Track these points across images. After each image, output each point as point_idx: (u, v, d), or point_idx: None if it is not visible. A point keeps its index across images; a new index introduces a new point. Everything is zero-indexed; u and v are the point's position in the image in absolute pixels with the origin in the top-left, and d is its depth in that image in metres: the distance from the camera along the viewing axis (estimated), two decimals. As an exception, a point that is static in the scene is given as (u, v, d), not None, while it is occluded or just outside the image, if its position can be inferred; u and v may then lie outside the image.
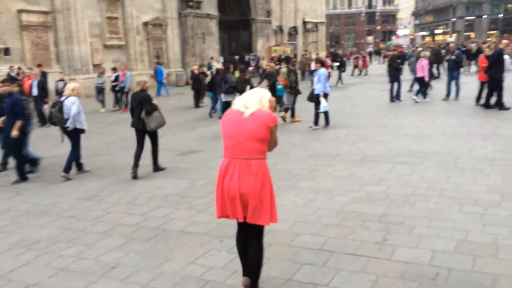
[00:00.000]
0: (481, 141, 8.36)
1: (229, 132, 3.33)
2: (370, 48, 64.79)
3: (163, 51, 27.22)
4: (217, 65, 25.67)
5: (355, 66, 29.12)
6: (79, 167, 7.92)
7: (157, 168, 7.80)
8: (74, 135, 7.60)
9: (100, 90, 17.12)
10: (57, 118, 7.44)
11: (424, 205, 5.24)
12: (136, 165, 7.44)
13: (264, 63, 18.64)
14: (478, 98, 12.64)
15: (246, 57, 29.60)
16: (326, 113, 10.77)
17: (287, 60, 20.70)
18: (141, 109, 7.38)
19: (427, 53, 15.38)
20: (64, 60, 21.86)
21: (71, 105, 7.40)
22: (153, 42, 26.53)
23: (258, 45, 34.62)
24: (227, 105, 11.27)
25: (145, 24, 25.85)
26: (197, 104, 16.73)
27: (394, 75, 14.61)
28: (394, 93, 14.69)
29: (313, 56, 26.63)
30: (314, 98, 10.77)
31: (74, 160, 7.69)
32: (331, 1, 79.33)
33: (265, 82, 13.40)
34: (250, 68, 26.38)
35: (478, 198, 5.31)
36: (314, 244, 4.41)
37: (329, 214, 5.21)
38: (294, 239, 4.56)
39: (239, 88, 12.05)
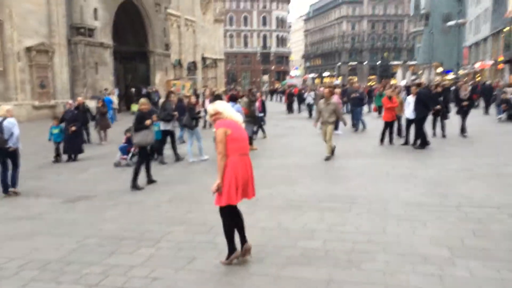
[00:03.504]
0: (402, 183, 8.04)
1: (238, 136, 4.44)
2: (265, 87, 66.75)
3: (49, 80, 24.54)
4: (113, 97, 23.78)
5: None
6: (6, 189, 8.11)
7: (150, 181, 8.61)
8: (16, 154, 8.16)
9: None
10: (0, 139, 7.74)
11: (372, 265, 4.45)
12: (148, 176, 8.68)
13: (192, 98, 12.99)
14: (382, 139, 12.76)
15: (144, 90, 27.97)
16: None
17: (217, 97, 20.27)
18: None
19: (338, 90, 16.10)
20: None
21: (12, 126, 7.87)
22: (37, 70, 23.77)
23: (157, 78, 33.21)
24: (165, 134, 11.06)
25: (28, 49, 23.13)
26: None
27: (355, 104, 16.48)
28: (357, 122, 16.34)
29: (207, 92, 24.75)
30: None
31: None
32: (228, 40, 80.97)
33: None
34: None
35: (427, 254, 4.67)
36: (255, 332, 3.32)
37: (266, 281, 4.17)
38: (227, 326, 3.43)
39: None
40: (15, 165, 8.23)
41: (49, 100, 24.32)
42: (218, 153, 4.35)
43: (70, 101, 13.86)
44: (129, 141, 11.03)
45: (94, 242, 5.43)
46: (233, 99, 11.18)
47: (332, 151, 10.79)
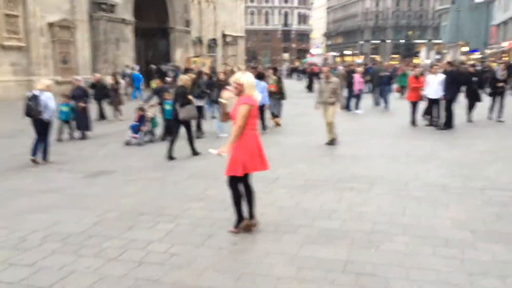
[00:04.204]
0: (423, 164, 7.89)
1: (256, 113, 4.75)
2: (285, 65, 65.96)
3: (71, 56, 24.76)
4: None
5: None
6: (34, 155, 8.48)
7: (194, 153, 8.98)
8: (49, 126, 8.65)
9: None
10: (35, 111, 8.21)
11: (391, 246, 4.39)
12: (170, 152, 8.73)
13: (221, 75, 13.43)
14: (413, 120, 12.39)
15: (164, 67, 27.96)
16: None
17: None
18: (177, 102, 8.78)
19: (360, 69, 16.35)
20: (-52, 60, 18.80)
21: (49, 100, 8.36)
22: (59, 46, 23.98)
23: (177, 55, 33.15)
24: (198, 109, 10.87)
25: (51, 25, 23.30)
26: (102, 116, 14.97)
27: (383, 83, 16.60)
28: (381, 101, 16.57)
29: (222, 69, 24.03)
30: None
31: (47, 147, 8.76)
32: (249, 17, 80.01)
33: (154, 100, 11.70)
34: (168, 79, 24.79)
35: (448, 236, 4.59)
36: (271, 310, 3.32)
37: (282, 260, 4.16)
38: (243, 303, 3.44)
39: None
40: (46, 137, 8.65)
41: (72, 76, 24.53)
42: (239, 126, 4.58)
43: (78, 78, 13.58)
44: (140, 119, 10.87)
45: (114, 217, 5.50)
46: (260, 76, 11.19)
47: (332, 141, 9.94)
